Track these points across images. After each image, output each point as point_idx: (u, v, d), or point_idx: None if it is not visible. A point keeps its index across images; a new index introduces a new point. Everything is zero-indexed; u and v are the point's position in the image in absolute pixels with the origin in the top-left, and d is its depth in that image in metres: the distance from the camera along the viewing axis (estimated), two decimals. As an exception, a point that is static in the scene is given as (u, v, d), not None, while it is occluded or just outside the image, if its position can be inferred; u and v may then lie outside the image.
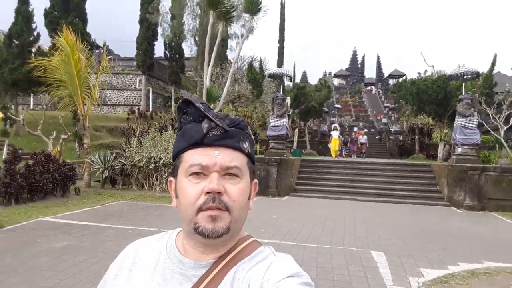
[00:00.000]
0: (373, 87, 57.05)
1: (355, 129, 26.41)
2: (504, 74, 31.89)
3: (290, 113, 17.97)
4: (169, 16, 22.10)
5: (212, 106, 13.66)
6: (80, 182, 11.03)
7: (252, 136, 0.67)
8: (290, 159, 13.09)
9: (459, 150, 11.24)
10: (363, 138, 22.44)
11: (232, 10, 13.34)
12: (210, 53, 13.18)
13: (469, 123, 10.90)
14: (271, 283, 0.66)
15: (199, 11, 21.52)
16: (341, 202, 10.93)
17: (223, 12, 13.23)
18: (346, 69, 69.15)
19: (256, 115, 15.37)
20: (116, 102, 25.99)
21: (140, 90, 25.11)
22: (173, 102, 24.55)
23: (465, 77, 11.51)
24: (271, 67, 28.80)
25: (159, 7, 22.17)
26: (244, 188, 0.71)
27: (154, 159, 10.69)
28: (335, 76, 65.24)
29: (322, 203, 10.75)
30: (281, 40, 38.92)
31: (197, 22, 22.43)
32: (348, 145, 22.06)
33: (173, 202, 0.74)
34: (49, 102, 15.23)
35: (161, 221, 7.36)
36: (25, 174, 8.46)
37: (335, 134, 14.83)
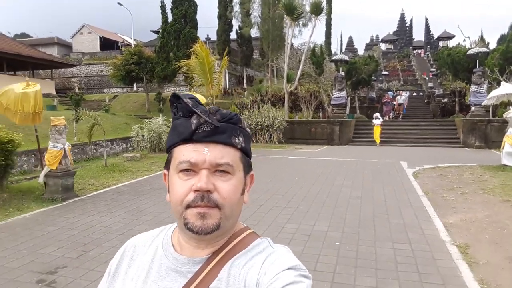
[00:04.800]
0: (421, 50, 57.62)
1: (402, 93, 29.70)
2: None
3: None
4: (239, 9, 27.81)
5: (289, 85, 19.15)
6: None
7: (248, 130, 0.74)
8: (348, 120, 18.37)
9: (472, 108, 15.78)
10: (401, 99, 23.87)
11: (303, 15, 18.53)
12: (287, 47, 18.59)
13: (480, 89, 15.31)
14: (269, 276, 0.66)
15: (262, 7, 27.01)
16: (385, 148, 16.13)
17: (295, 16, 18.44)
18: (394, 32, 68.71)
19: (321, 90, 20.60)
20: (201, 82, 32.44)
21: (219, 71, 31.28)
22: (245, 81, 30.41)
23: (479, 55, 15.78)
24: (319, 42, 33.23)
25: (232, 4, 27.87)
26: (236, 184, 0.70)
27: (260, 123, 16.59)
28: (383, 41, 65.25)
29: (372, 148, 16.07)
30: (329, 11, 41.88)
31: (260, 13, 27.96)
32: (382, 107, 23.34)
33: (167, 196, 0.73)
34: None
35: (280, 151, 13.25)
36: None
37: (377, 122, 16.76)
